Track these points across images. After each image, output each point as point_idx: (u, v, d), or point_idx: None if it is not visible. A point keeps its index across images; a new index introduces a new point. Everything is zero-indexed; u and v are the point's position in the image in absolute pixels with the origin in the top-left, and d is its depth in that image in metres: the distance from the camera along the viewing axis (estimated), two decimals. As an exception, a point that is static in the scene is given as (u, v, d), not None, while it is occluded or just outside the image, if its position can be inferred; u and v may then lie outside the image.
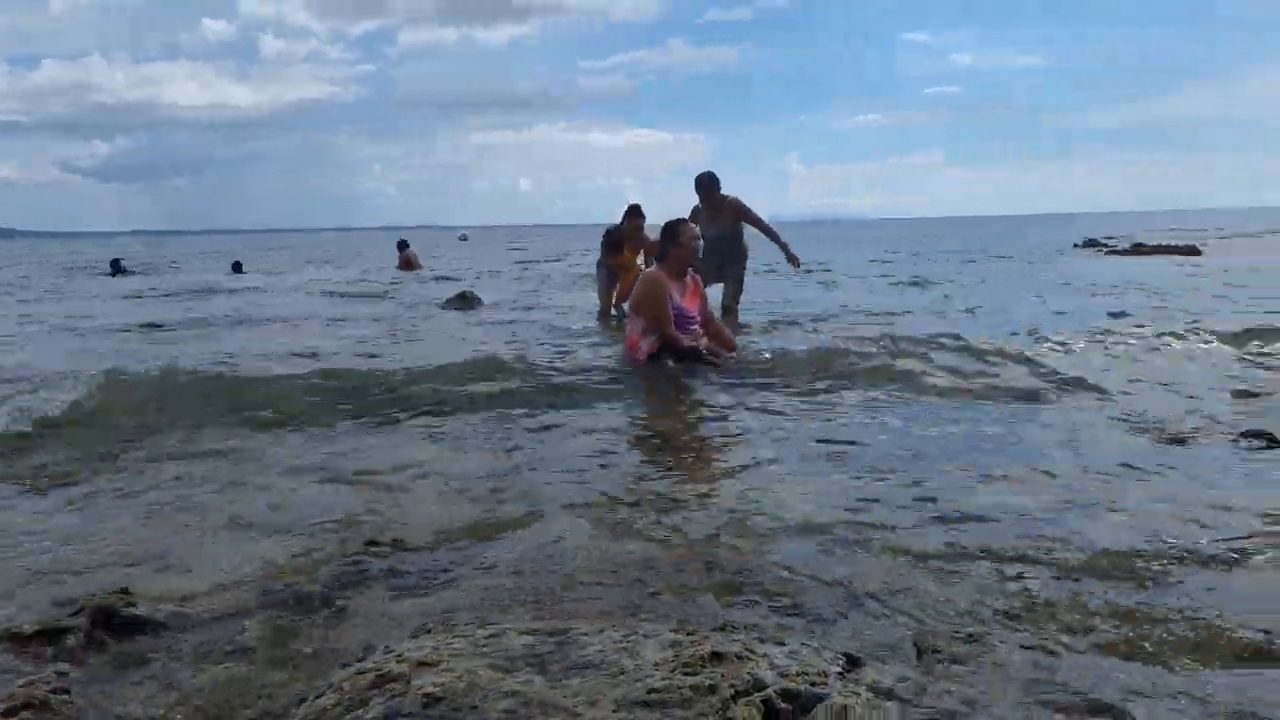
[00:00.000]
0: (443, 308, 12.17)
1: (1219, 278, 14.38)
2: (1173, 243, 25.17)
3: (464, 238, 63.84)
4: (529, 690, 1.79)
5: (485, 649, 1.99)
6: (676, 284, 6.09)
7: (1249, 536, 2.94)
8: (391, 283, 18.46)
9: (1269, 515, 3.14)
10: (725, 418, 4.84)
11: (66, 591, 2.68)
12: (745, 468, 3.93)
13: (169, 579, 2.80)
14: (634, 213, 9.58)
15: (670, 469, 3.94)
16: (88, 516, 3.43)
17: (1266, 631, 2.26)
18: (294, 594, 2.63)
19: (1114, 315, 9.25)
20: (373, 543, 3.03)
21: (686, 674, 1.84)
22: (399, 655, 1.99)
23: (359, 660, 2.03)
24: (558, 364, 6.57)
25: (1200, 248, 23.47)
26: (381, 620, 2.48)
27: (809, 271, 16.81)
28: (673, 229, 6.17)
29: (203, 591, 2.68)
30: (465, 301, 12.34)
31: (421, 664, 1.92)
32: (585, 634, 2.05)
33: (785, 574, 2.70)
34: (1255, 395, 5.22)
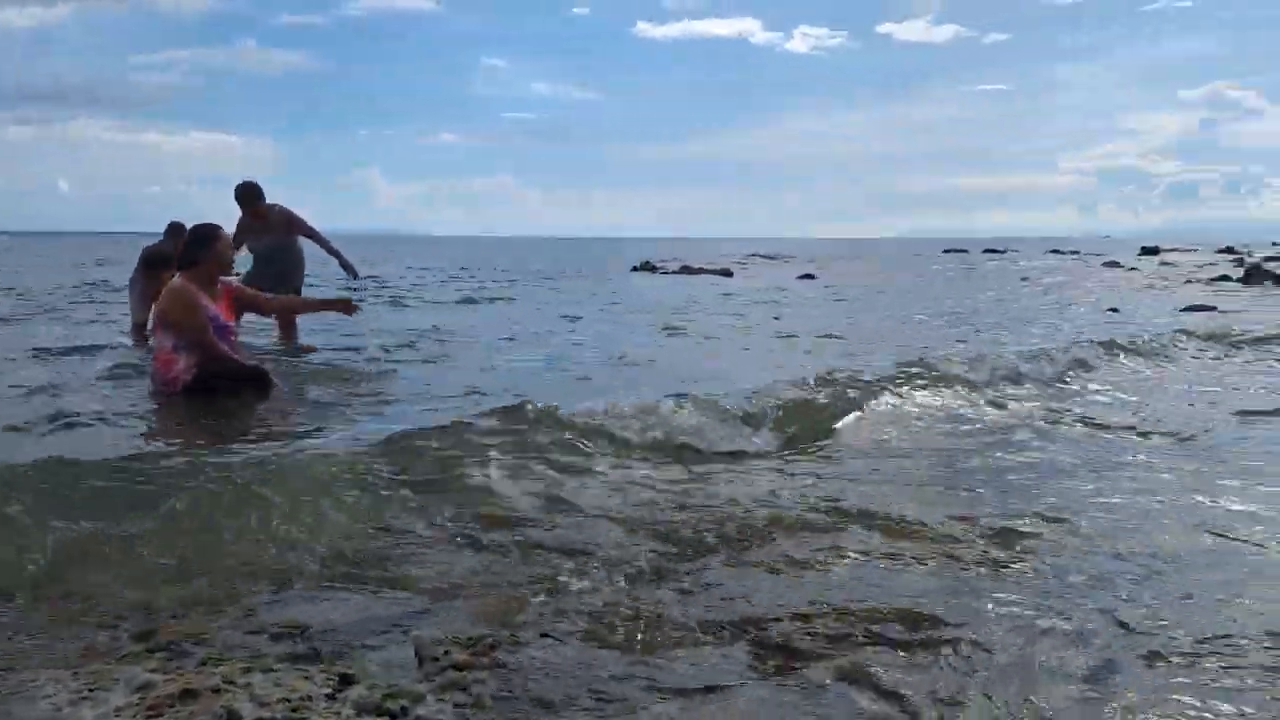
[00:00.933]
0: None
1: (751, 295, 16.42)
2: (712, 266, 28.33)
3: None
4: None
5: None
6: (206, 293, 5.59)
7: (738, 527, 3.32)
8: None
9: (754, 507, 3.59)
10: (256, 441, 4.49)
11: None
12: (260, 496, 3.65)
13: None
14: (175, 232, 8.84)
15: (180, 499, 3.56)
16: None
17: (742, 614, 2.55)
18: None
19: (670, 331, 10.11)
20: None
21: (150, 716, 1.69)
22: None
23: None
24: (64, 387, 5.82)
25: (732, 270, 26.80)
26: None
27: (379, 294, 16.52)
28: (203, 235, 5.65)
29: None
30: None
31: None
32: (37, 685, 1.81)
33: (298, 602, 2.59)
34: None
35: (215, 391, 5.43)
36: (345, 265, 8.75)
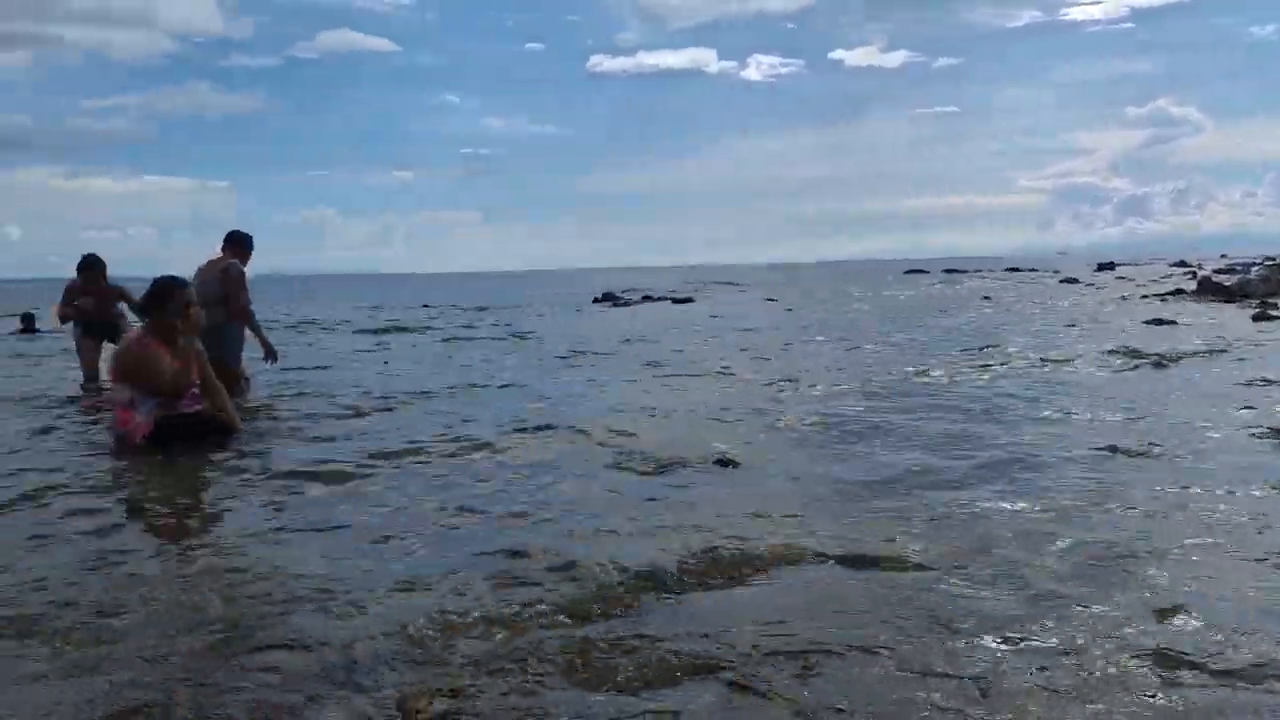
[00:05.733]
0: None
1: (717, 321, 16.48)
2: (673, 295, 28.47)
3: (-74, 294, 53.41)
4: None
5: None
6: (165, 346, 5.50)
7: (706, 559, 3.30)
8: None
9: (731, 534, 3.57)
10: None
11: None
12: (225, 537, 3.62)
13: None
14: (87, 266, 8.73)
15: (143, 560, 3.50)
16: None
17: (715, 650, 2.54)
18: None
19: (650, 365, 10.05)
20: None
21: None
22: None
23: None
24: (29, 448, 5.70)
25: (694, 297, 26.96)
26: None
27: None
28: (162, 291, 5.55)
29: None
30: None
31: None
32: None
33: (267, 659, 2.56)
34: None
35: (174, 441, 5.35)
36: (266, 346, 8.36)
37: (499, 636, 2.64)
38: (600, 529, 3.70)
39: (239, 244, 7.96)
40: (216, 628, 2.73)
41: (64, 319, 8.88)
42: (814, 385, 7.84)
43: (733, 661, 2.45)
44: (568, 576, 3.10)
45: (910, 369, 8.91)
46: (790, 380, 8.13)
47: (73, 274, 8.88)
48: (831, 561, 3.26)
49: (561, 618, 2.77)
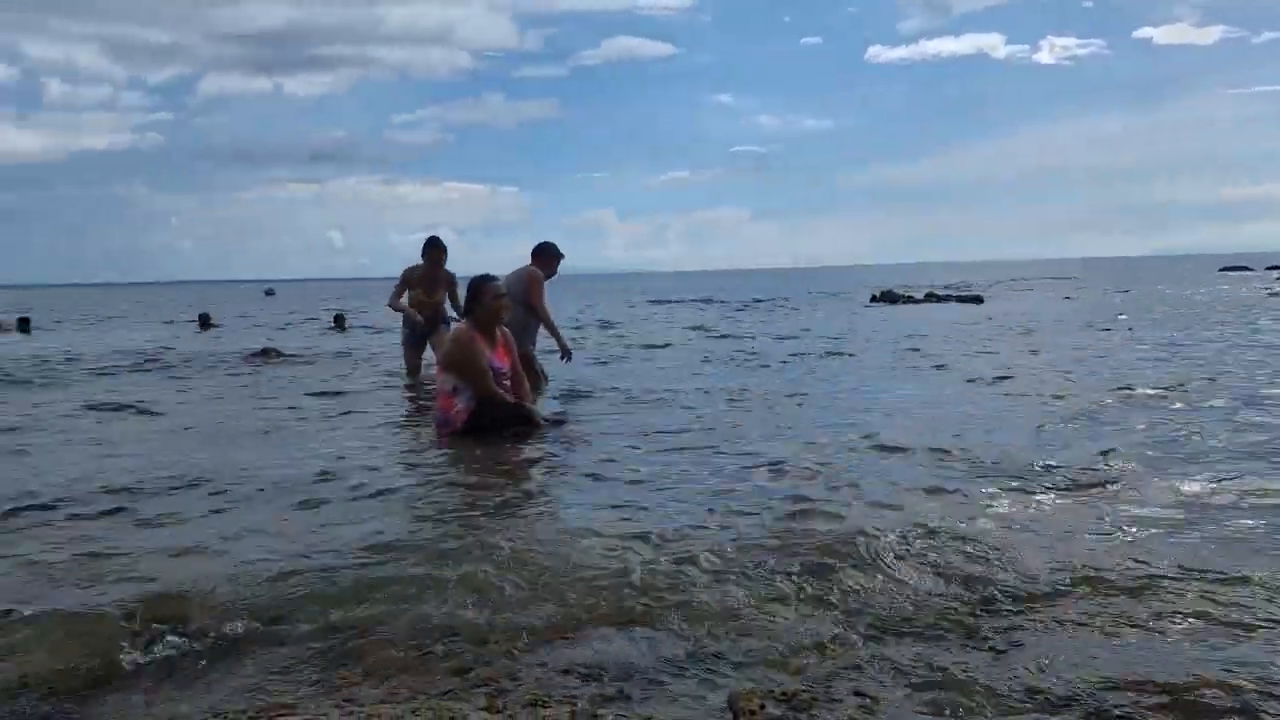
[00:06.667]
0: (245, 360, 11.70)
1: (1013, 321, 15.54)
2: (959, 293, 27.09)
3: (270, 292, 61.25)
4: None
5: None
6: (485, 339, 5.91)
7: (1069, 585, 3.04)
8: (190, 337, 17.50)
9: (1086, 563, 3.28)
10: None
11: None
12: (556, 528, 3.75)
13: None
14: (433, 245, 9.13)
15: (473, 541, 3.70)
16: None
17: (1068, 681, 2.32)
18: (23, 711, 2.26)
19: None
20: (156, 619, 2.70)
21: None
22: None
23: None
24: (373, 433, 6.24)
25: (983, 296, 25.43)
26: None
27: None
28: (475, 288, 5.99)
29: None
30: (266, 357, 11.97)
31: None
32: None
33: (595, 640, 2.61)
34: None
35: (489, 430, 5.69)
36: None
37: (835, 648, 2.55)
38: (931, 546, 3.43)
39: (541, 254, 8.39)
40: (546, 611, 2.81)
41: (396, 309, 9.44)
42: (1147, 392, 7.14)
43: (1091, 697, 2.23)
44: (904, 594, 2.96)
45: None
46: (1121, 388, 7.39)
47: (382, 275, 9.46)
48: (1193, 590, 2.91)
49: (897, 637, 2.64)
